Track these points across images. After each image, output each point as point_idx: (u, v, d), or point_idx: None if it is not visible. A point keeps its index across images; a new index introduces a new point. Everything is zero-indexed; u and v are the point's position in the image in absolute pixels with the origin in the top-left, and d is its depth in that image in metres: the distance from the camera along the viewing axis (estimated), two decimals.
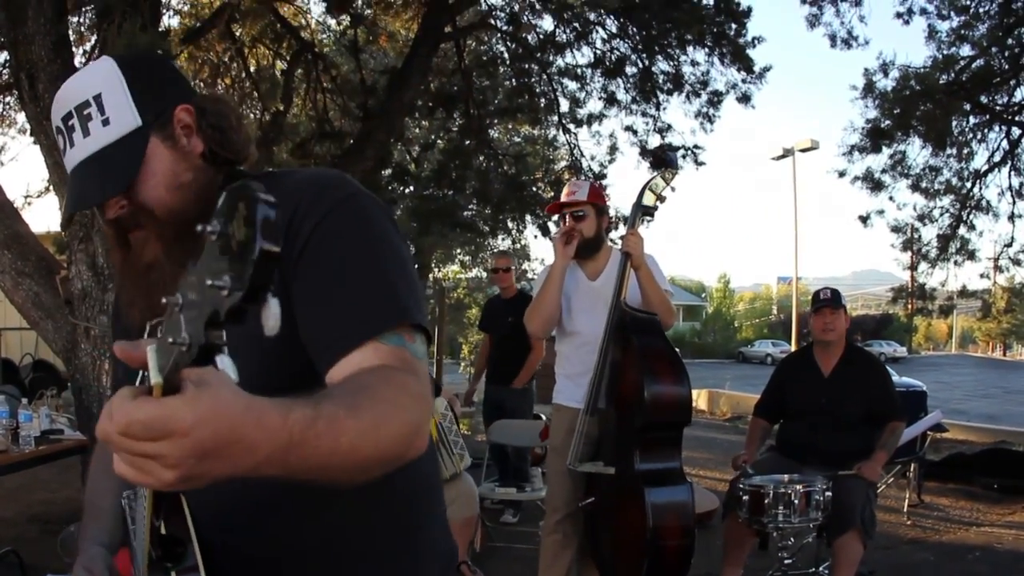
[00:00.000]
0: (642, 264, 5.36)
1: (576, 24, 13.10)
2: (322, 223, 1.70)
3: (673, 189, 5.67)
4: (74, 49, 8.61)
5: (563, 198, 5.78)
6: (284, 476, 1.24)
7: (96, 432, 1.14)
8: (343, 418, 1.31)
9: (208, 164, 1.84)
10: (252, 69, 13.02)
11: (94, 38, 9.65)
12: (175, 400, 1.07)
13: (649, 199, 5.60)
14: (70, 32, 8.43)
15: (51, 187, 8.42)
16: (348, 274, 1.67)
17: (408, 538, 1.90)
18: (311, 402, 1.28)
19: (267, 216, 0.92)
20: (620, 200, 25.83)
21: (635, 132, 13.84)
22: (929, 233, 14.37)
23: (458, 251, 29.77)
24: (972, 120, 13.31)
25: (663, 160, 5.79)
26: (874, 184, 13.69)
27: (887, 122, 12.62)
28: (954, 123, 12.84)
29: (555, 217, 5.91)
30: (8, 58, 8.93)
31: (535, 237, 17.99)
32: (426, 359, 1.69)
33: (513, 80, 14.47)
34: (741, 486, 5.78)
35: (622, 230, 8.61)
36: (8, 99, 12.07)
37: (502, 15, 13.34)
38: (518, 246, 18.73)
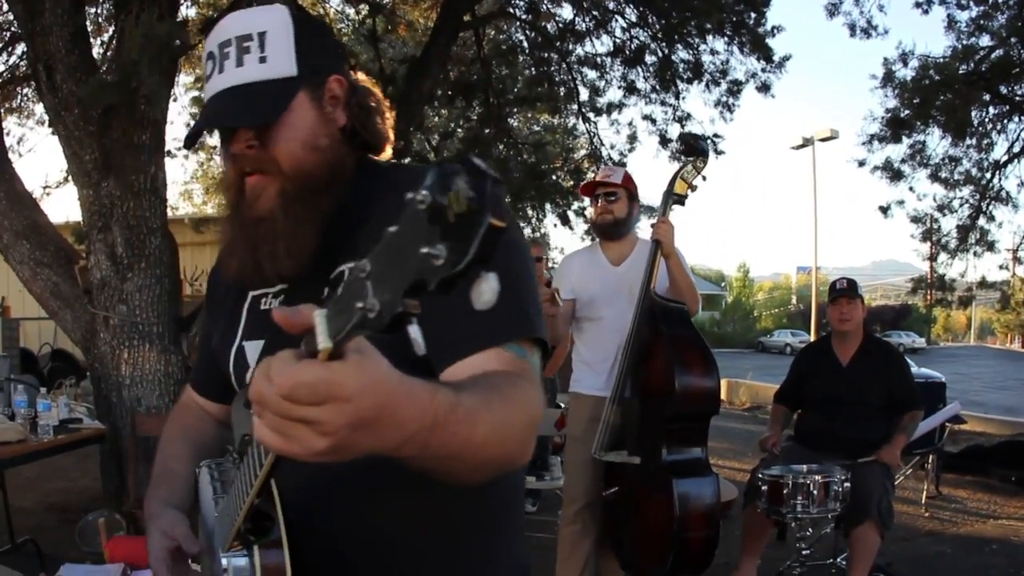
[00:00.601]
0: (672, 252, 5.37)
1: (595, 13, 13.08)
2: None
3: (704, 178, 5.70)
4: (91, 40, 8.62)
5: (598, 179, 5.82)
6: (417, 460, 1.25)
7: (249, 394, 1.13)
8: (480, 410, 1.32)
9: (344, 141, 1.85)
10: None
11: (112, 29, 9.67)
12: (341, 365, 1.06)
13: (681, 187, 5.62)
14: (87, 23, 8.43)
15: (69, 178, 8.42)
16: None
17: (490, 543, 1.89)
18: (451, 388, 1.29)
19: (495, 192, 0.91)
20: (640, 189, 25.82)
21: (654, 121, 13.85)
22: (948, 224, 14.31)
23: None
24: (992, 110, 13.25)
25: (695, 148, 5.77)
26: (894, 174, 13.63)
27: (906, 112, 12.57)
28: (973, 113, 12.78)
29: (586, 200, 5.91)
30: (26, 49, 8.94)
31: (555, 226, 17.95)
32: (540, 370, 1.69)
33: (532, 69, 14.47)
34: (760, 476, 5.79)
35: (643, 221, 8.61)
36: (26, 90, 12.07)
37: (521, 4, 13.33)
38: (538, 235, 18.71)
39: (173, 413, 2.32)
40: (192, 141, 1.93)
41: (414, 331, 0.97)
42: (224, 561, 1.59)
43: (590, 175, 15.91)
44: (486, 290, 0.93)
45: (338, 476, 1.57)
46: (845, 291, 6.59)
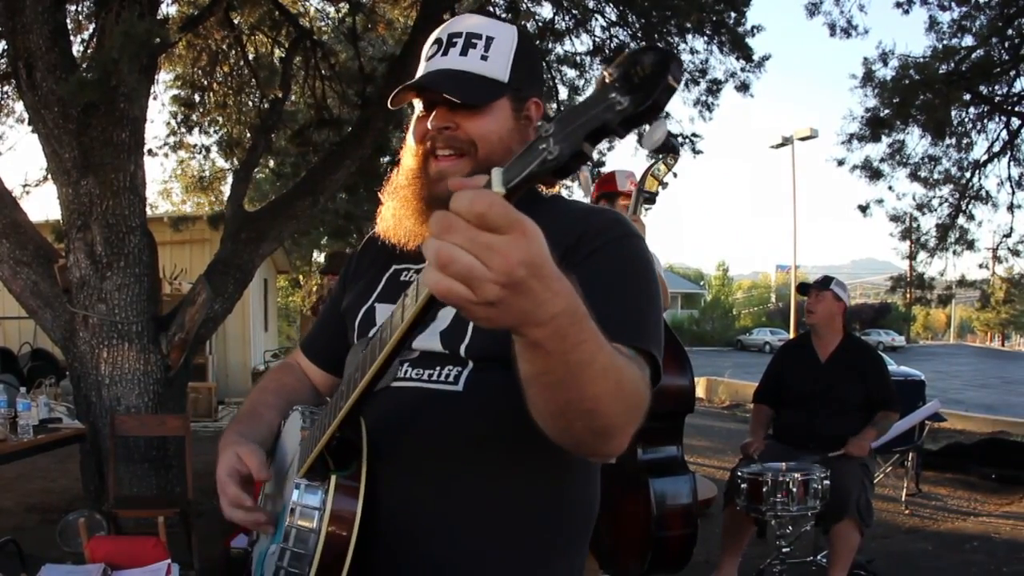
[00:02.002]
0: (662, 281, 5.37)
1: (575, 12, 13.08)
2: (612, 243, 1.83)
3: (675, 175, 5.67)
4: (71, 38, 8.61)
5: (617, 186, 5.82)
6: (548, 360, 1.26)
7: (431, 220, 1.13)
8: (603, 344, 1.33)
9: (519, 144, 1.87)
10: (251, 57, 12.98)
11: (92, 26, 9.65)
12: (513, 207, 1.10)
13: (651, 185, 5.59)
14: (67, 21, 8.42)
15: (49, 176, 8.40)
16: (620, 286, 1.77)
17: (557, 564, 1.89)
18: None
19: (675, 62, 1.04)
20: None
21: None
22: (928, 222, 14.42)
23: None
24: (972, 110, 13.32)
25: (665, 145, 5.74)
26: (873, 173, 13.70)
27: (886, 111, 12.61)
28: (953, 113, 12.83)
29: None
30: (6, 47, 8.91)
31: None
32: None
33: None
34: (740, 474, 5.80)
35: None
36: (6, 88, 12.02)
37: (500, 2, 13.31)
38: None
39: (273, 369, 2.38)
40: (399, 101, 2.00)
41: (585, 171, 1.06)
42: (296, 494, 1.60)
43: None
44: (658, 129, 1.05)
45: (438, 435, 1.69)
46: (813, 284, 6.74)
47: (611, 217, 1.90)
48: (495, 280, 1.10)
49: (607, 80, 1.06)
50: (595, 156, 14.13)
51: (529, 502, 1.79)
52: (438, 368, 1.82)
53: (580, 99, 1.03)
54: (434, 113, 1.91)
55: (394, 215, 1.96)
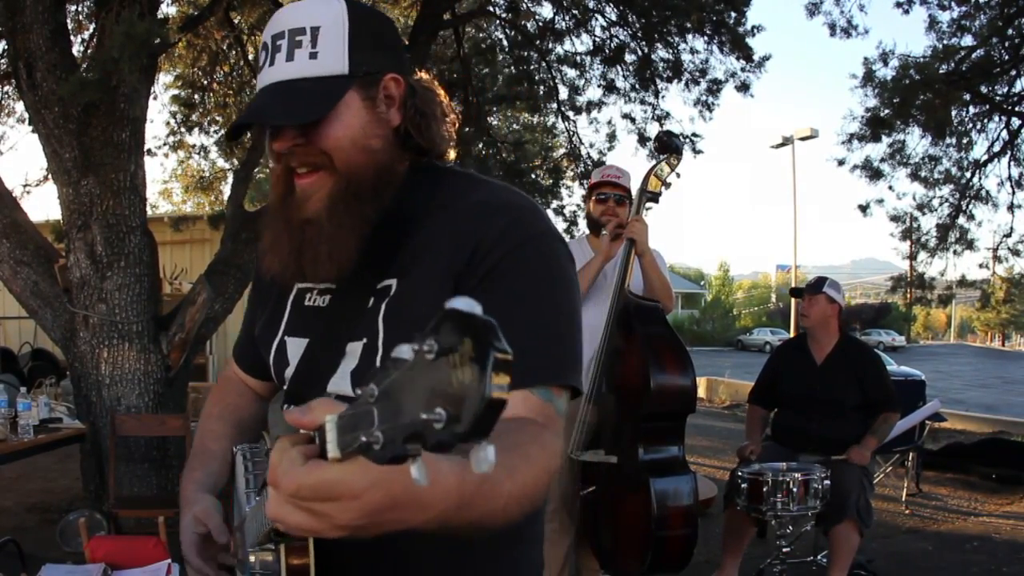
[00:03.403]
0: (646, 251, 5.36)
1: (575, 11, 13.08)
2: (512, 254, 1.68)
3: (678, 175, 5.67)
4: (72, 38, 8.61)
5: (605, 177, 5.80)
6: (437, 530, 1.24)
7: (267, 476, 1.15)
8: (503, 482, 1.31)
9: (397, 143, 1.81)
10: (251, 57, 12.97)
11: (92, 26, 9.65)
12: (349, 466, 1.06)
13: (654, 185, 5.59)
14: (68, 21, 8.42)
15: (49, 176, 8.40)
16: (522, 317, 1.63)
17: (513, 551, 1.87)
18: None
19: (497, 361, 0.88)
20: None
21: (634, 120, 13.87)
22: (928, 222, 14.38)
23: None
24: (972, 110, 13.30)
25: (668, 146, 5.73)
26: (873, 173, 13.68)
27: (886, 111, 12.59)
28: (954, 113, 12.82)
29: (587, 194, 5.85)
30: (6, 47, 8.91)
31: None
32: (565, 413, 1.68)
33: (512, 67, 14.46)
34: (740, 474, 5.80)
35: None
36: (6, 88, 12.02)
37: (501, 2, 13.33)
38: None
39: (215, 388, 2.32)
40: (236, 134, 1.89)
41: (415, 470, 0.97)
42: (252, 557, 1.61)
43: (569, 173, 15.97)
44: (482, 461, 0.94)
45: None
46: (807, 287, 6.71)
47: (509, 218, 1.73)
48: (332, 532, 1.12)
49: (425, 355, 0.90)
50: (595, 156, 14.15)
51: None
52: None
53: (406, 352, 0.80)
54: (278, 136, 1.76)
55: (270, 245, 1.84)
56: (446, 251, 1.69)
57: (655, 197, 5.62)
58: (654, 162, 5.71)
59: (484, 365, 0.87)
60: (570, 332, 1.70)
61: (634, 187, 5.73)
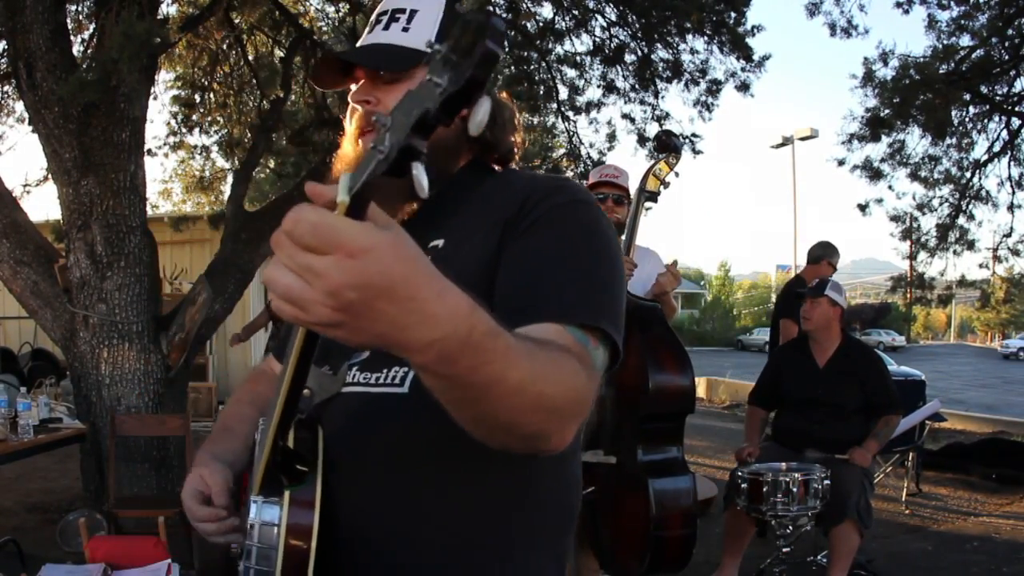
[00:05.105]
0: (669, 299, 5.45)
1: (575, 12, 13.07)
2: (557, 207, 1.72)
3: (677, 174, 5.66)
4: (72, 38, 8.61)
5: (603, 177, 5.81)
6: (442, 379, 1.20)
7: (271, 240, 1.07)
8: (522, 354, 1.26)
9: (462, 132, 1.85)
10: (251, 57, 12.98)
11: (92, 26, 9.65)
12: (353, 221, 1.03)
13: (652, 184, 5.58)
14: (68, 21, 8.42)
15: (49, 176, 8.41)
16: (564, 257, 1.66)
17: (527, 557, 1.80)
18: (496, 323, 1.22)
19: (497, 24, 0.98)
20: None
21: (633, 120, 13.83)
22: (928, 222, 14.39)
23: None
24: (972, 110, 13.31)
25: (667, 145, 5.72)
26: (873, 173, 13.68)
27: (886, 111, 12.60)
28: (953, 113, 12.83)
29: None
30: (6, 47, 8.92)
31: None
32: (601, 372, 1.61)
33: (512, 67, 14.45)
34: (740, 474, 5.80)
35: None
36: (6, 88, 12.03)
37: (501, 3, 13.31)
38: None
39: (248, 377, 2.35)
40: (319, 70, 1.97)
41: (417, 169, 0.97)
42: (253, 511, 1.58)
43: (568, 173, 15.94)
44: (480, 110, 0.97)
45: (391, 447, 1.66)
46: (808, 291, 6.72)
47: (556, 183, 1.82)
48: (321, 302, 1.05)
49: (435, 55, 1.02)
50: (595, 156, 14.15)
51: (488, 499, 1.72)
52: (384, 370, 1.74)
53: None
54: (359, 89, 1.89)
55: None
56: (496, 209, 1.74)
57: (653, 196, 5.61)
58: (652, 161, 5.72)
59: (485, 26, 1.01)
60: (610, 287, 1.68)
61: (632, 187, 5.73)
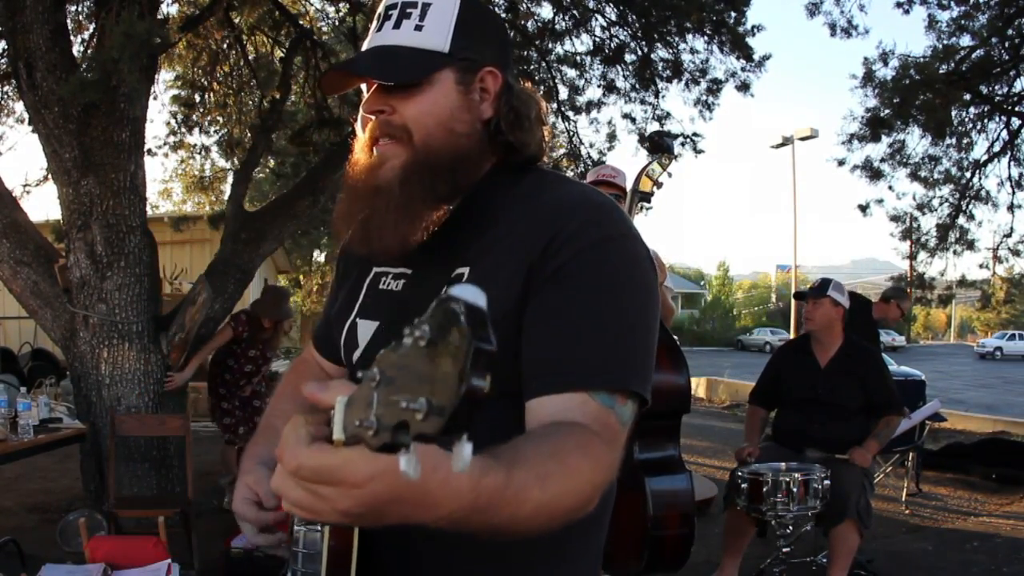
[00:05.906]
0: (667, 299, 5.44)
1: (575, 11, 13.06)
2: (584, 253, 1.62)
3: (670, 175, 5.65)
4: (72, 38, 8.60)
5: (601, 177, 5.81)
6: (450, 529, 1.20)
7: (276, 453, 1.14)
8: (531, 488, 1.26)
9: (485, 136, 1.81)
10: (251, 56, 12.97)
11: (92, 26, 9.64)
12: (354, 452, 1.04)
13: (646, 185, 5.57)
14: (68, 21, 8.42)
15: (49, 176, 8.41)
16: (591, 315, 1.59)
17: (557, 570, 1.79)
18: (505, 465, 1.23)
19: (479, 352, 0.88)
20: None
21: (634, 120, 13.83)
22: (928, 222, 14.41)
23: None
24: (972, 110, 13.32)
25: (659, 146, 5.71)
26: (873, 173, 13.70)
27: (887, 111, 12.61)
28: (954, 113, 12.83)
29: None
30: (6, 47, 8.91)
31: None
32: (630, 424, 1.61)
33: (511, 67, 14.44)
34: (740, 474, 5.80)
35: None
36: (6, 88, 12.02)
37: (501, 2, 13.31)
38: None
39: (291, 368, 2.33)
40: (327, 79, 1.88)
41: (404, 462, 0.95)
42: (297, 530, 1.63)
43: (568, 173, 15.93)
44: (457, 459, 0.93)
45: None
46: (810, 291, 6.71)
47: (586, 215, 1.67)
48: (333, 516, 1.11)
49: (418, 341, 0.93)
50: (595, 156, 14.15)
51: None
52: None
53: (408, 337, 0.80)
54: (372, 96, 1.77)
55: (346, 209, 1.85)
56: (521, 243, 1.67)
57: (647, 197, 5.61)
58: (646, 162, 5.71)
59: (466, 356, 0.87)
60: (638, 337, 1.64)
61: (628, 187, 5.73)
